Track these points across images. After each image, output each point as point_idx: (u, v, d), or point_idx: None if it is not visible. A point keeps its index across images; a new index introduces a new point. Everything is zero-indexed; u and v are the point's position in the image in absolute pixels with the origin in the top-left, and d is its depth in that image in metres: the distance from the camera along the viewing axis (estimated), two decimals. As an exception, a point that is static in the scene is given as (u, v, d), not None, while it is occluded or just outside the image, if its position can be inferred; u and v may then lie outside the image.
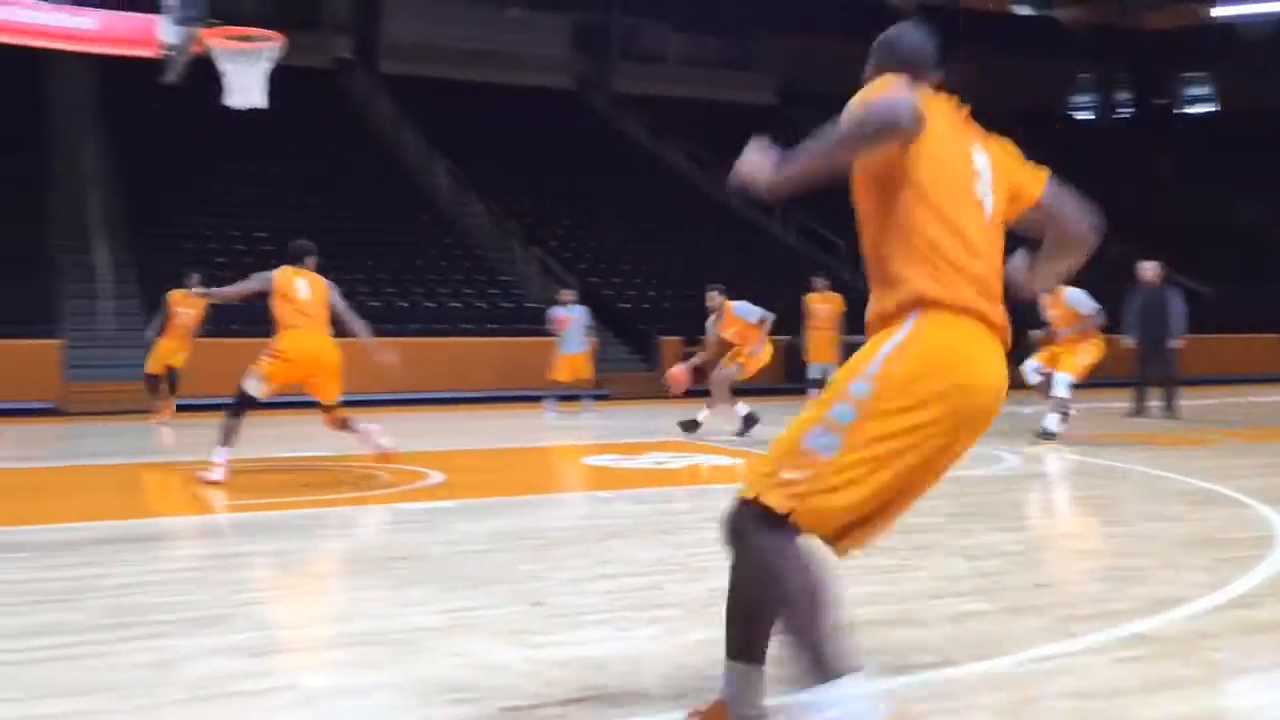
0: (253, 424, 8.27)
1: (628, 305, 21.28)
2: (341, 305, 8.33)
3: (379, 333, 17.93)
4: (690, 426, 11.47)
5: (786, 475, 2.55)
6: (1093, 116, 42.48)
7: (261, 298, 8.24)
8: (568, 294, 15.94)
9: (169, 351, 14.16)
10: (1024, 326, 13.18)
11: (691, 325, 16.08)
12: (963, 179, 2.66)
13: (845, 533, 2.65)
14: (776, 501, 2.55)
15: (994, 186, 2.73)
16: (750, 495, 2.60)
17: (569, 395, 15.35)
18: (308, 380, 8.17)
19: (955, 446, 2.63)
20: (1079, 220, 2.89)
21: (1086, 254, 2.94)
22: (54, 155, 22.76)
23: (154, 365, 14.23)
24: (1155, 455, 9.54)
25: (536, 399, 15.40)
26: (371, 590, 4.53)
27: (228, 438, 7.75)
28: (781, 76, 35.48)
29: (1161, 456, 9.42)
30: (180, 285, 14.14)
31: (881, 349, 2.57)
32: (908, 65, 2.80)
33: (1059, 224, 2.90)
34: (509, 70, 31.19)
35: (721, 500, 8.12)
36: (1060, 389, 10.59)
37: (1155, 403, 13.32)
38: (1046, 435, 10.43)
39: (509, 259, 22.65)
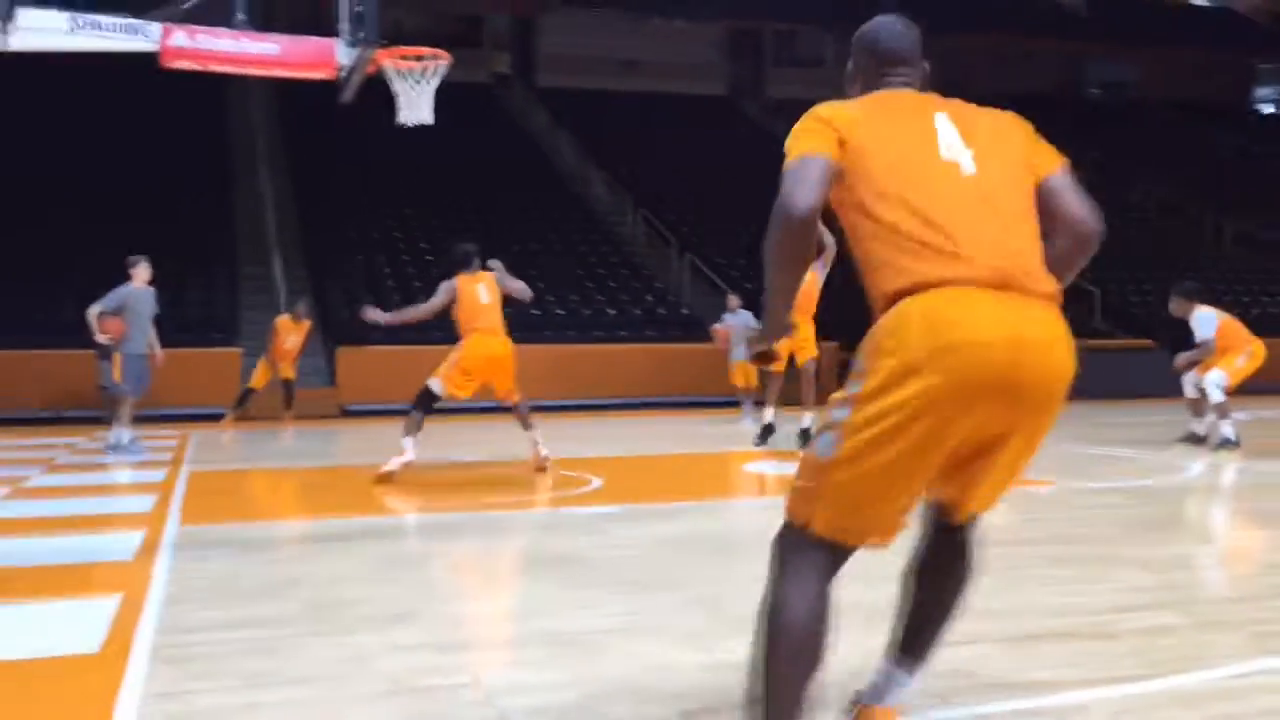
0: (426, 429, 8.56)
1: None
2: (506, 278, 8.83)
3: (537, 339, 18.34)
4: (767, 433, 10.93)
5: (800, 484, 2.53)
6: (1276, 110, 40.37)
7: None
8: (734, 299, 15.97)
9: (274, 369, 15.35)
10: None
11: (849, 329, 15.88)
12: (917, 155, 2.53)
13: (862, 526, 2.53)
14: (793, 510, 2.54)
15: (972, 142, 2.59)
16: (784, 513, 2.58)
17: (732, 401, 15.39)
18: (489, 382, 8.52)
19: (981, 415, 2.38)
20: (1083, 218, 2.67)
21: (1088, 254, 2.69)
22: (238, 175, 23.99)
23: (257, 380, 15.33)
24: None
25: (691, 405, 15.46)
26: (547, 590, 4.64)
27: (411, 429, 8.25)
28: (940, 75, 34.79)
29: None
30: (291, 311, 15.54)
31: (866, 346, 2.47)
32: (886, 61, 2.76)
33: (1059, 215, 2.66)
34: (662, 79, 31.45)
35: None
36: (1213, 392, 10.24)
37: None
38: (1227, 443, 9.96)
39: (665, 266, 22.81)
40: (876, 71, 2.79)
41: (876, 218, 2.49)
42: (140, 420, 15.59)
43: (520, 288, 8.88)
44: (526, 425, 8.86)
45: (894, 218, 2.47)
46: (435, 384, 8.42)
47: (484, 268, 8.83)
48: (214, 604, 4.47)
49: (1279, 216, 28.22)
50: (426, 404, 8.43)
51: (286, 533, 6.18)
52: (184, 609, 4.36)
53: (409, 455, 8.19)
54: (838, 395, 2.50)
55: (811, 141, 2.56)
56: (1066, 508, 6.85)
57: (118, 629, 4.05)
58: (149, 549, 5.62)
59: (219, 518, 6.87)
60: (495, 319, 8.60)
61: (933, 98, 2.71)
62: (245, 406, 15.20)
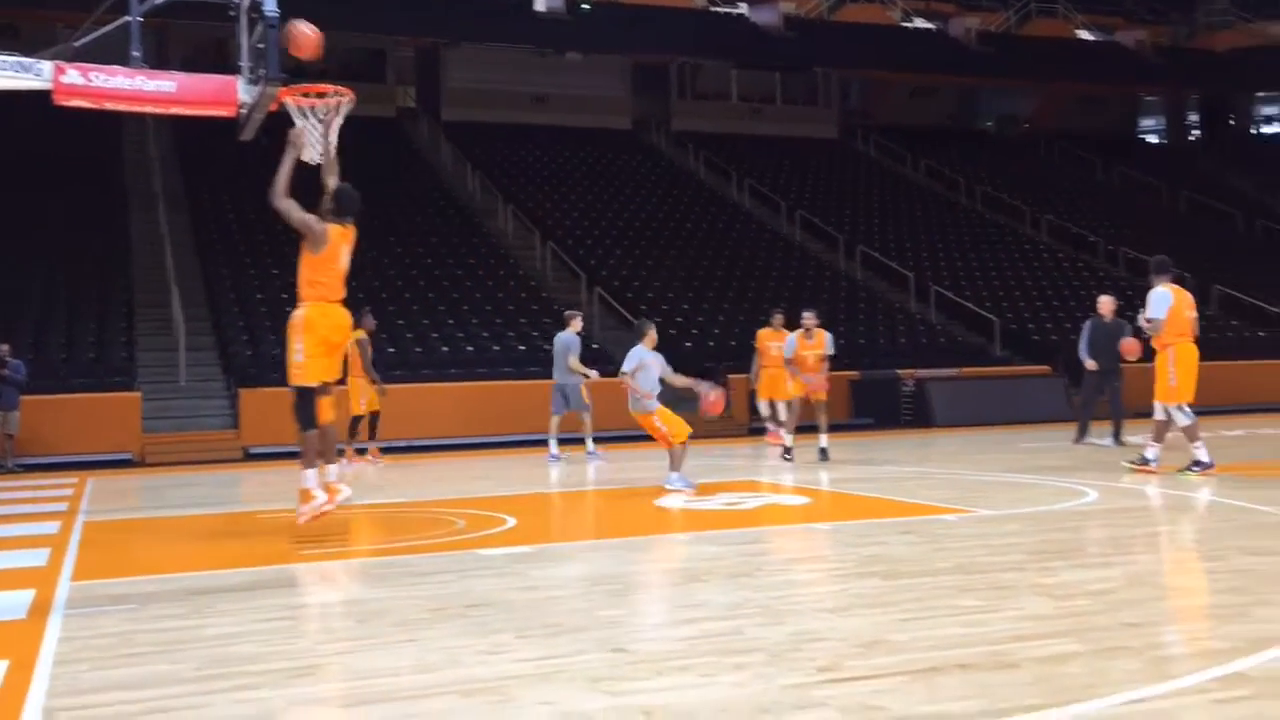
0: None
1: (689, 344, 21.30)
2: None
3: (448, 377, 18.15)
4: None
5: None
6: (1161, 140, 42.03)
7: None
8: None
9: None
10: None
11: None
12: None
13: None
14: None
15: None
16: None
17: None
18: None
19: None
20: None
21: None
22: (132, 212, 23.45)
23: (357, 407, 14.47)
24: (1235, 486, 9.32)
25: (608, 439, 15.41)
26: (457, 638, 4.58)
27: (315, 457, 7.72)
28: (844, 109, 35.64)
29: (1241, 487, 9.21)
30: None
31: None
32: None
33: None
34: (569, 113, 31.60)
35: (796, 541, 8.11)
36: (1178, 416, 10.08)
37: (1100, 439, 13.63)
38: (1200, 465, 9.89)
39: (574, 300, 22.81)
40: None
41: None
42: (35, 468, 15.12)
43: None
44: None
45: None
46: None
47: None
48: (108, 664, 4.32)
49: (1168, 244, 29.25)
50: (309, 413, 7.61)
51: (184, 585, 6.01)
52: (76, 670, 4.20)
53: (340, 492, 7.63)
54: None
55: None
56: (972, 537, 6.97)
57: (6, 693, 3.90)
58: (40, 608, 5.42)
59: (114, 572, 6.66)
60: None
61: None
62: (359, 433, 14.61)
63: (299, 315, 7.58)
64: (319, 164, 8.48)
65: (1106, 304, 14.27)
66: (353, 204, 7.85)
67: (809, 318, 12.89)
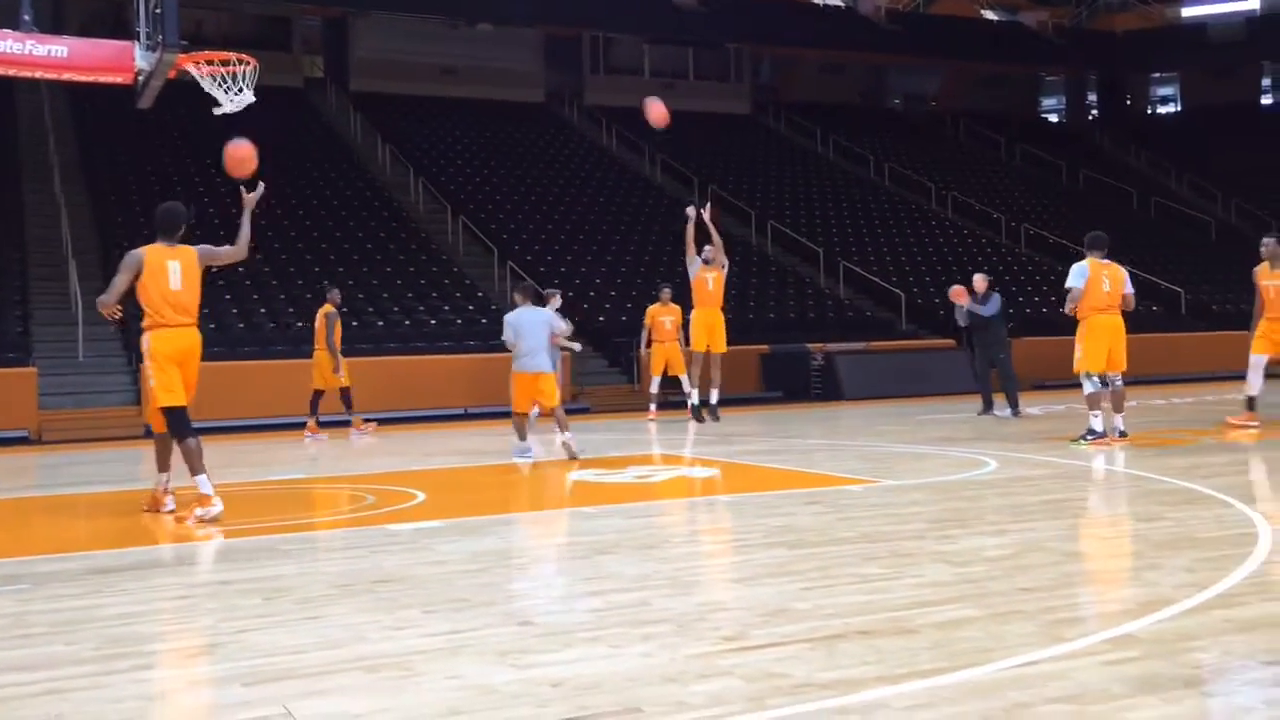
0: (233, 449, 8.24)
1: (602, 319, 21.31)
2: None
3: (358, 352, 17.94)
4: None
5: None
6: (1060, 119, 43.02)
7: None
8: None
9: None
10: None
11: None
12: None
13: None
14: None
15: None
16: None
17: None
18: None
19: None
20: None
21: None
22: (25, 182, 22.65)
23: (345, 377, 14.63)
24: (1132, 456, 9.64)
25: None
26: (362, 614, 4.54)
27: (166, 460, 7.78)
28: (756, 85, 35.84)
29: (1138, 457, 9.53)
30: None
31: None
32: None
33: None
34: (480, 85, 31.28)
35: (704, 513, 8.16)
36: (1085, 384, 10.63)
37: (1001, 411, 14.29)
38: (1093, 435, 10.39)
39: (486, 275, 22.65)
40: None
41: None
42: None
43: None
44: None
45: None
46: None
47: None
48: (2, 645, 4.20)
49: (1068, 221, 30.04)
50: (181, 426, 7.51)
51: (79, 565, 5.86)
52: (-34, 653, 4.08)
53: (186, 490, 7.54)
54: None
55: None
56: (877, 506, 7.11)
57: (-111, 679, 3.76)
58: (-73, 589, 5.24)
59: (7, 552, 6.46)
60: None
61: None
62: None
63: (144, 342, 7.49)
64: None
65: (980, 281, 14.88)
66: (166, 220, 7.60)
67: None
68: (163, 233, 7.55)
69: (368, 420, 15.03)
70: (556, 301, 14.85)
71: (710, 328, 14.37)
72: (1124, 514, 6.99)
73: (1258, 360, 11.42)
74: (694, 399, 13.08)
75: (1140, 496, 7.46)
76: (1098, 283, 10.54)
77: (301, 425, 14.73)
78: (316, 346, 14.59)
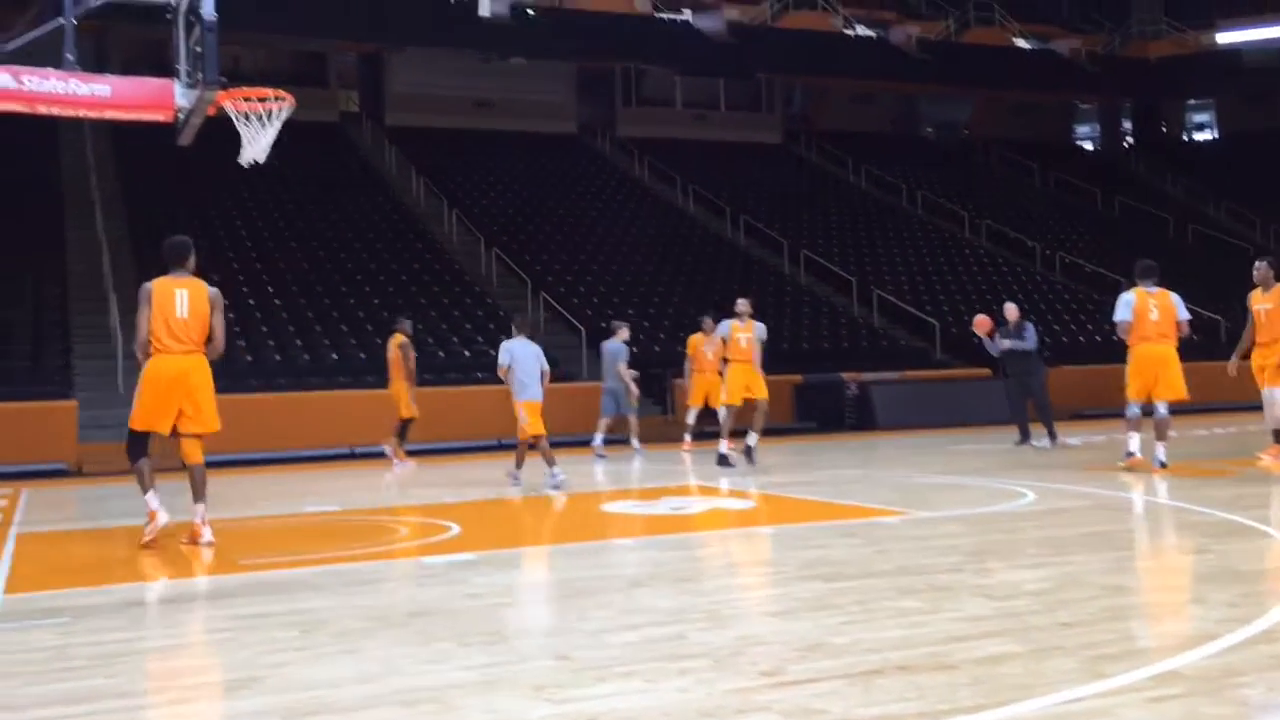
0: (265, 480, 8.30)
1: (636, 349, 21.31)
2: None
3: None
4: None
5: None
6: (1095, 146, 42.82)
7: None
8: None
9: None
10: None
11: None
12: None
13: None
14: None
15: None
16: None
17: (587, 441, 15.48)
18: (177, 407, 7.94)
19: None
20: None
21: None
22: (68, 218, 23.03)
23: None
24: (1173, 486, 9.52)
25: (554, 445, 15.41)
26: (399, 647, 4.55)
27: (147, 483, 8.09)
28: (787, 115, 35.95)
29: (1179, 488, 9.41)
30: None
31: None
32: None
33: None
34: (514, 118, 31.55)
35: (738, 545, 8.12)
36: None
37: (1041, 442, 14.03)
38: (1130, 455, 10.66)
39: (519, 305, 22.74)
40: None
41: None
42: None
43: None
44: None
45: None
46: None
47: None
48: (43, 679, 4.24)
49: (1103, 249, 29.83)
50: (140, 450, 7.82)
51: (121, 597, 5.92)
52: (11, 685, 4.12)
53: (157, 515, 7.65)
54: None
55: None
56: (913, 539, 7.05)
57: (-66, 712, 3.81)
58: (-29, 622, 5.31)
59: (47, 584, 6.53)
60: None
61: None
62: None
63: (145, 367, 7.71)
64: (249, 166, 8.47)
65: (1011, 311, 14.80)
66: (174, 252, 7.76)
67: (743, 304, 13.11)
68: (172, 265, 7.74)
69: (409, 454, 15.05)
70: (625, 334, 15.24)
71: (746, 385, 13.66)
72: (1165, 546, 6.90)
73: (1271, 395, 11.02)
74: (722, 448, 12.67)
75: (1182, 528, 7.36)
76: (1145, 312, 10.57)
77: (329, 459, 14.79)
78: (392, 377, 14.40)
